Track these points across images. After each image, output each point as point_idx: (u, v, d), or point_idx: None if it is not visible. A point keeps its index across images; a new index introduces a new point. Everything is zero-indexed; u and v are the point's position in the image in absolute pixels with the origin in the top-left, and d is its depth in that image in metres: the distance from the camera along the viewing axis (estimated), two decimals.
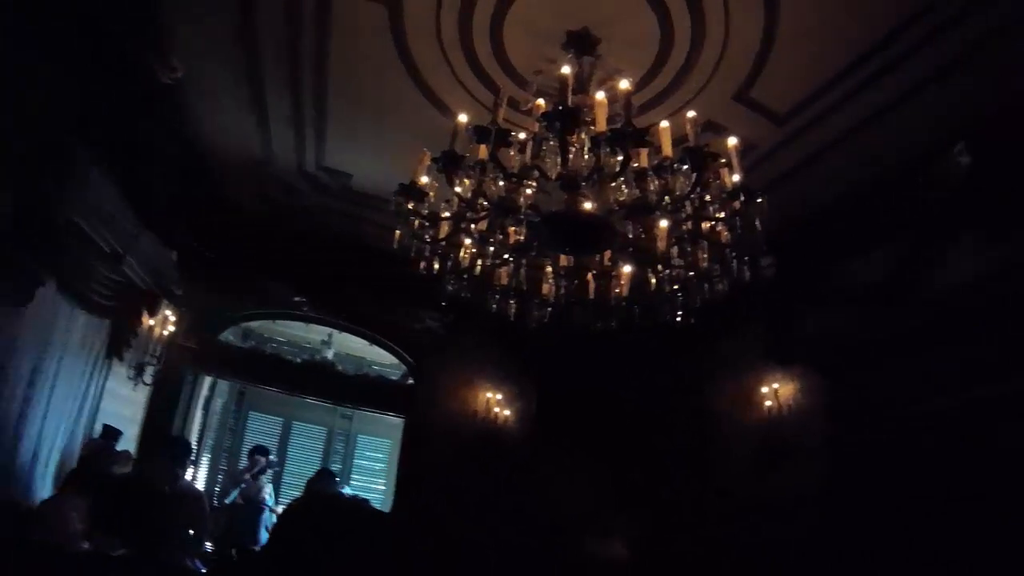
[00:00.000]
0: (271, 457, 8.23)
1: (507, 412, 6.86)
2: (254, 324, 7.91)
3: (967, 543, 3.78)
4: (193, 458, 6.42)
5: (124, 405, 5.84)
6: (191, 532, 5.07)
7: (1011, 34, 3.47)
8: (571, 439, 6.62)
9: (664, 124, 3.02)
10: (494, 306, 3.00)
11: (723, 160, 2.88)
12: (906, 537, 4.14)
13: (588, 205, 2.64)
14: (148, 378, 5.93)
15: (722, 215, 2.77)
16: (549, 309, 2.90)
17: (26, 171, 3.63)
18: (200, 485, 7.99)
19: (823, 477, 4.80)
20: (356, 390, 7.24)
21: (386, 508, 7.68)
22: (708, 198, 2.77)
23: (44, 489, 4.54)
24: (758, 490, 5.30)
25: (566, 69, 2.86)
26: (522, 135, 2.93)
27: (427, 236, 2.93)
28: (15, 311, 3.85)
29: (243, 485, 7.88)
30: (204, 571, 5.12)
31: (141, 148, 4.63)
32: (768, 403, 5.43)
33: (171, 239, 5.50)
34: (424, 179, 3.01)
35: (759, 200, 2.83)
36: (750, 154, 4.56)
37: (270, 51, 4.13)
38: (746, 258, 2.76)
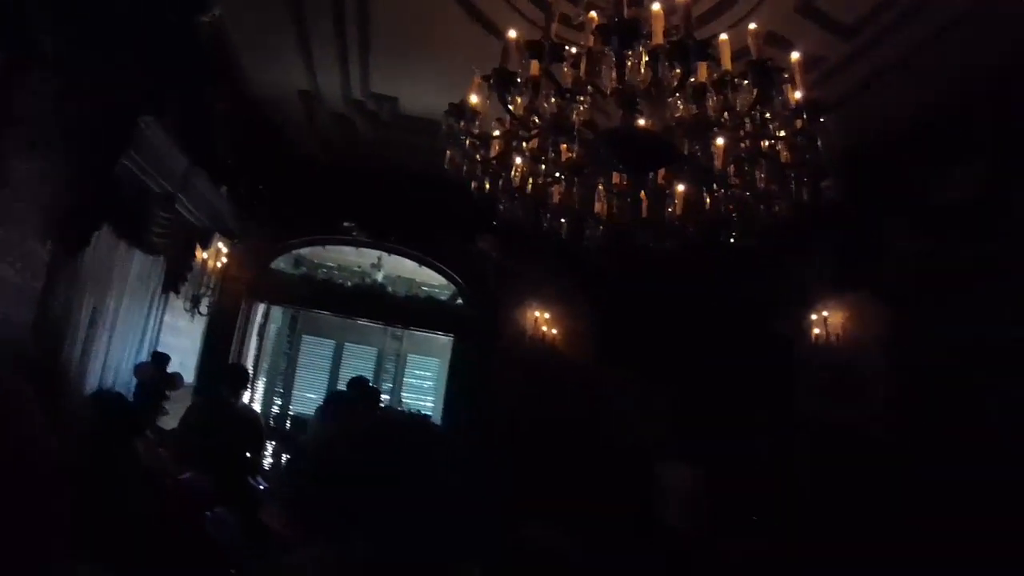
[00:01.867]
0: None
1: (560, 331, 6.89)
2: (305, 251, 8.11)
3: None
4: (249, 383, 6.73)
5: (182, 336, 6.13)
6: (248, 454, 5.38)
7: None
8: (634, 362, 6.64)
9: (724, 37, 2.87)
10: (546, 225, 2.99)
11: (786, 75, 2.74)
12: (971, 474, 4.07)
13: (644, 122, 2.56)
14: (204, 309, 6.20)
15: (783, 134, 2.66)
16: (602, 229, 2.88)
17: (78, 122, 3.71)
18: (257, 407, 8.46)
19: (892, 405, 4.73)
20: (406, 311, 7.41)
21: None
22: (769, 115, 2.66)
23: None
24: (828, 416, 5.26)
25: None
26: (575, 50, 2.83)
27: (479, 156, 2.91)
28: (73, 255, 4.00)
29: None
30: (265, 488, 5.46)
31: (189, 90, 4.66)
32: (836, 328, 5.33)
33: (222, 175, 5.61)
34: (474, 99, 2.96)
35: (822, 120, 2.70)
36: (816, 68, 4.32)
37: None
38: (806, 179, 2.66)
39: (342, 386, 9.44)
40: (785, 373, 5.81)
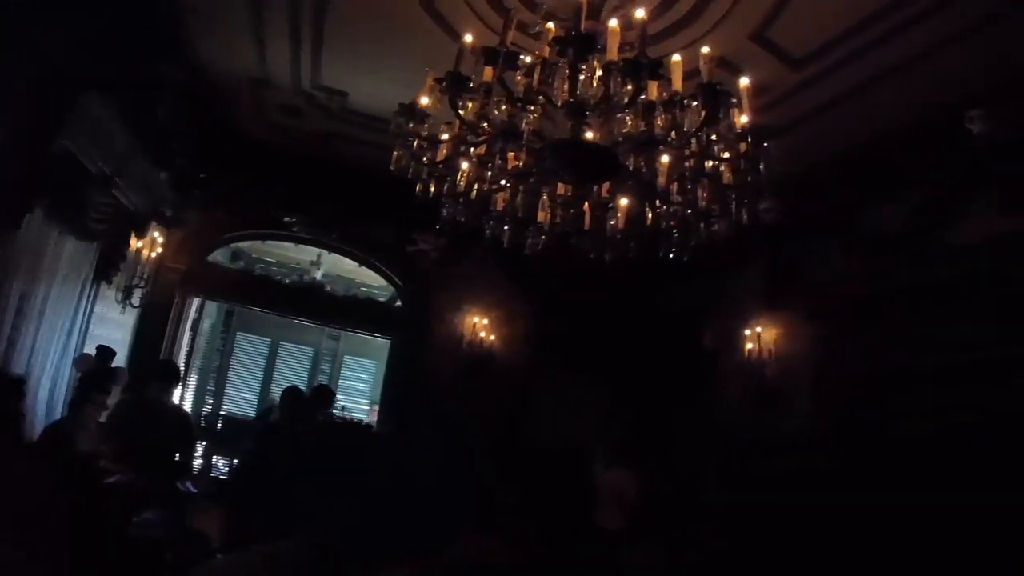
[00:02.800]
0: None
1: (497, 337, 6.91)
2: (244, 245, 7.86)
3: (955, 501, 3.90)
4: (180, 381, 6.47)
5: (113, 328, 5.84)
6: (178, 455, 5.15)
7: None
8: (568, 369, 6.70)
9: (676, 58, 2.92)
10: (488, 231, 2.97)
11: (733, 99, 2.81)
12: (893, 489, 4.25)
13: (592, 135, 2.57)
14: (136, 301, 5.92)
15: (727, 155, 2.72)
16: (544, 237, 2.88)
17: (19, 97, 3.50)
18: (188, 406, 8.12)
19: (816, 423, 4.90)
20: (344, 311, 7.25)
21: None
22: (715, 137, 2.71)
23: (35, 415, 4.56)
24: (753, 428, 5.42)
25: None
26: (529, 59, 2.83)
27: (425, 158, 2.86)
28: (2, 239, 3.79)
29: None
30: (195, 492, 5.23)
31: (136, 68, 4.45)
32: (762, 345, 5.51)
33: (163, 160, 5.38)
34: (425, 100, 2.92)
35: (766, 144, 2.78)
36: (763, 95, 4.46)
37: None
38: (746, 201, 2.72)
39: (276, 385, 9.16)
40: (712, 384, 5.98)
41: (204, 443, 7.98)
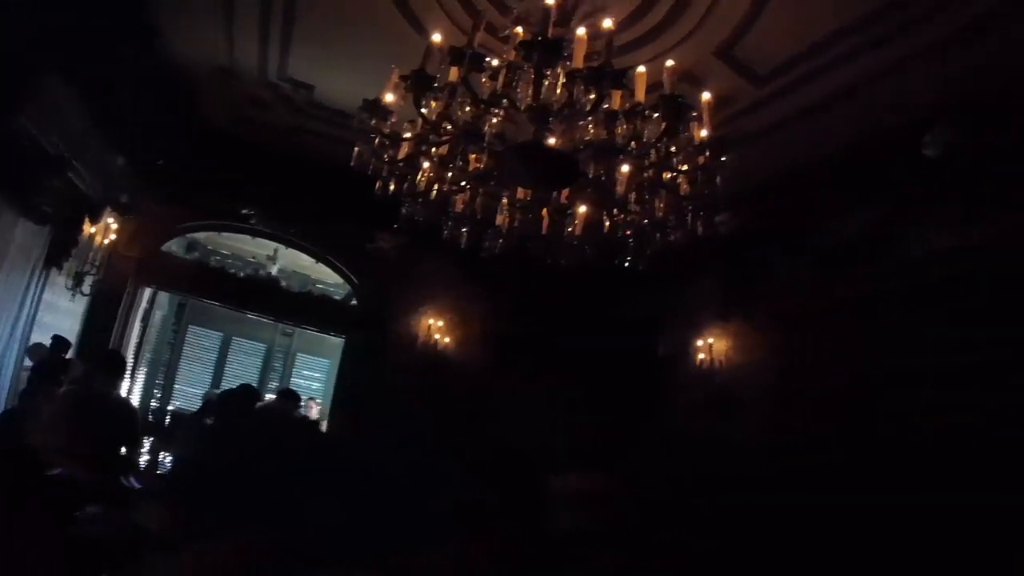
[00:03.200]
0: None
1: (453, 339, 6.88)
2: (199, 236, 7.66)
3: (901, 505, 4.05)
4: (126, 372, 6.26)
5: (62, 317, 5.64)
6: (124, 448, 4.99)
7: (996, 24, 3.53)
8: (525, 372, 6.69)
9: (641, 69, 2.96)
10: (447, 232, 2.95)
11: (694, 113, 2.86)
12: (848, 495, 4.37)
13: (554, 140, 2.59)
14: (87, 288, 5.72)
15: (685, 167, 2.77)
16: (501, 240, 2.88)
17: None
18: (136, 400, 7.86)
19: (769, 427, 5.00)
20: (298, 308, 7.11)
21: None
22: (674, 149, 2.76)
23: None
24: (708, 433, 5.49)
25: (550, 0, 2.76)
26: (496, 62, 2.83)
27: (387, 155, 2.84)
28: None
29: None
30: (139, 487, 5.06)
31: (100, 50, 4.32)
32: (714, 354, 5.62)
33: (121, 145, 5.22)
34: (390, 97, 2.90)
35: (723, 158, 2.83)
36: (725, 108, 4.57)
37: None
38: (701, 212, 2.77)
39: (227, 381, 8.96)
40: (666, 390, 6.07)
41: (151, 439, 7.73)
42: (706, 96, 2.97)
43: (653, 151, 2.69)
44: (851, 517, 4.24)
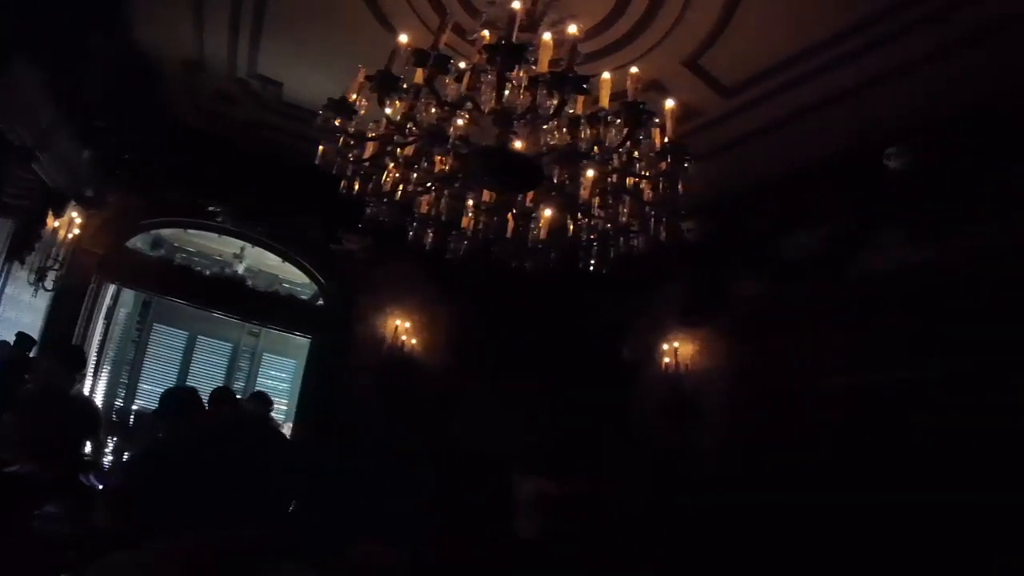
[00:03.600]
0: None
1: (419, 341, 6.85)
2: (165, 232, 7.52)
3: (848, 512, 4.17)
4: (89, 369, 6.13)
5: (24, 311, 5.49)
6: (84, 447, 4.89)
7: (955, 52, 3.66)
8: (490, 376, 6.69)
9: (606, 76, 3.00)
10: (411, 233, 2.96)
11: (657, 120, 2.90)
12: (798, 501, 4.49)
13: (519, 144, 2.61)
14: (50, 284, 5.58)
15: (647, 174, 2.81)
16: (466, 243, 2.89)
17: None
18: (99, 398, 7.68)
19: (728, 435, 5.09)
20: (265, 307, 7.01)
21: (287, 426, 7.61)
22: (637, 155, 2.80)
23: None
24: (671, 438, 5.57)
25: (517, 4, 2.78)
26: (462, 64, 2.84)
27: (351, 155, 2.83)
28: None
29: None
30: (100, 487, 4.96)
31: (69, 39, 4.22)
32: (679, 359, 5.69)
33: (87, 137, 5.11)
34: (355, 97, 2.89)
35: (686, 165, 2.88)
36: (692, 120, 4.65)
37: None
38: (664, 218, 2.82)
39: (192, 381, 8.79)
40: (631, 394, 6.13)
41: (115, 438, 7.57)
42: (669, 104, 3.01)
43: (616, 157, 2.73)
44: (803, 521, 4.35)
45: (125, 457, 7.62)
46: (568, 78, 2.51)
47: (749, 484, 4.78)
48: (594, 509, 5.61)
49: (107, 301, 7.20)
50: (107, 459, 6.49)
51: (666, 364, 5.77)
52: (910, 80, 3.97)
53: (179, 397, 4.68)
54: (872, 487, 4.20)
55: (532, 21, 3.28)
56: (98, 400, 7.58)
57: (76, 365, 5.01)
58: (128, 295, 8.31)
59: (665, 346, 5.83)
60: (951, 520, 3.71)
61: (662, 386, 5.76)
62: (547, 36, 2.83)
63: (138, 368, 9.46)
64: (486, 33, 2.95)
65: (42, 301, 5.77)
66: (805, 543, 4.29)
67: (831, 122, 4.51)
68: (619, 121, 2.68)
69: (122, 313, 8.61)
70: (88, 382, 6.01)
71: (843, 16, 3.66)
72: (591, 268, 2.88)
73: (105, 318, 7.39)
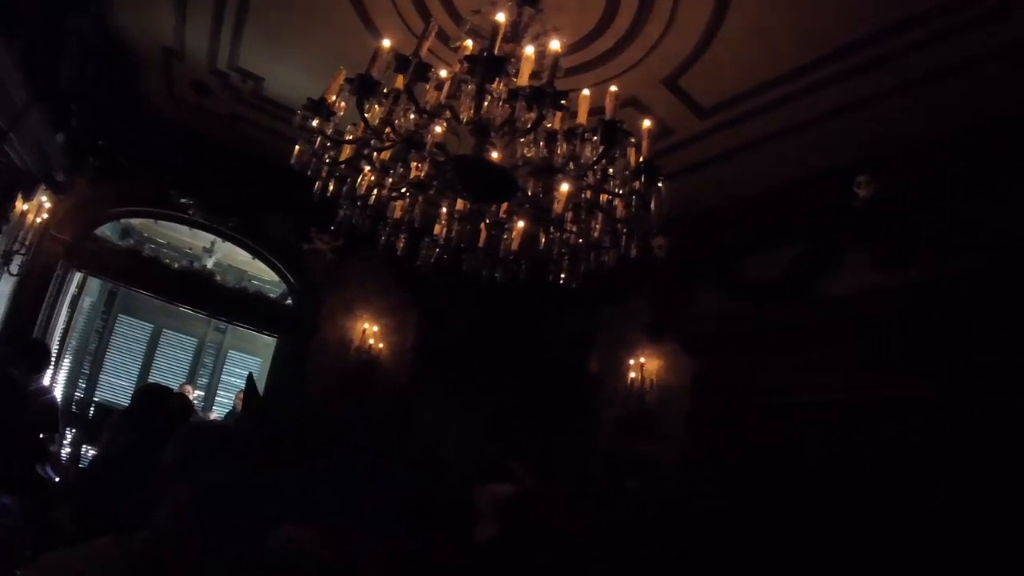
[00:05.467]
0: None
1: (386, 345, 6.83)
2: (135, 222, 7.38)
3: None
4: (50, 363, 5.96)
5: None
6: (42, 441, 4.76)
7: (923, 84, 3.78)
8: (454, 383, 6.69)
9: (585, 92, 3.04)
10: (384, 237, 2.95)
11: (633, 139, 2.94)
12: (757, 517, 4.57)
13: (495, 155, 2.62)
14: (15, 268, 5.44)
15: (621, 191, 2.84)
16: (438, 250, 2.89)
17: None
18: (59, 389, 7.49)
19: (687, 450, 5.15)
20: (233, 303, 6.89)
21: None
22: (612, 172, 2.83)
23: None
24: (628, 453, 5.61)
25: (501, 16, 2.80)
26: (443, 72, 2.86)
27: (327, 157, 2.82)
28: None
29: None
30: (57, 480, 4.84)
31: (45, 20, 4.13)
32: (644, 374, 5.73)
33: (60, 121, 5.00)
34: (335, 98, 2.88)
35: (659, 184, 2.92)
36: (667, 138, 4.73)
37: None
38: (635, 236, 2.85)
39: (156, 374, 8.63)
40: (596, 407, 6.17)
41: (74, 431, 7.38)
42: (647, 123, 3.06)
43: (591, 173, 2.76)
44: (760, 531, 4.43)
45: (83, 450, 7.44)
46: (547, 93, 2.54)
47: (708, 495, 4.85)
48: (546, 509, 5.63)
49: (72, 289, 7.03)
50: (64, 451, 6.33)
51: (631, 378, 5.82)
52: (877, 109, 4.10)
53: (157, 396, 4.59)
54: (832, 503, 4.30)
55: (516, 32, 3.30)
56: (58, 390, 7.39)
57: (40, 360, 4.89)
58: (94, 284, 8.14)
59: (631, 360, 5.88)
60: (910, 538, 3.82)
61: (625, 399, 5.80)
62: (529, 50, 2.85)
63: (100, 359, 9.26)
64: (468, 43, 2.97)
65: (6, 286, 5.62)
66: (759, 553, 4.38)
67: (801, 147, 4.63)
68: (596, 138, 2.72)
69: (87, 302, 8.42)
70: (49, 371, 5.84)
71: (817, 47, 3.78)
72: (561, 281, 2.91)
73: (69, 306, 7.21)
